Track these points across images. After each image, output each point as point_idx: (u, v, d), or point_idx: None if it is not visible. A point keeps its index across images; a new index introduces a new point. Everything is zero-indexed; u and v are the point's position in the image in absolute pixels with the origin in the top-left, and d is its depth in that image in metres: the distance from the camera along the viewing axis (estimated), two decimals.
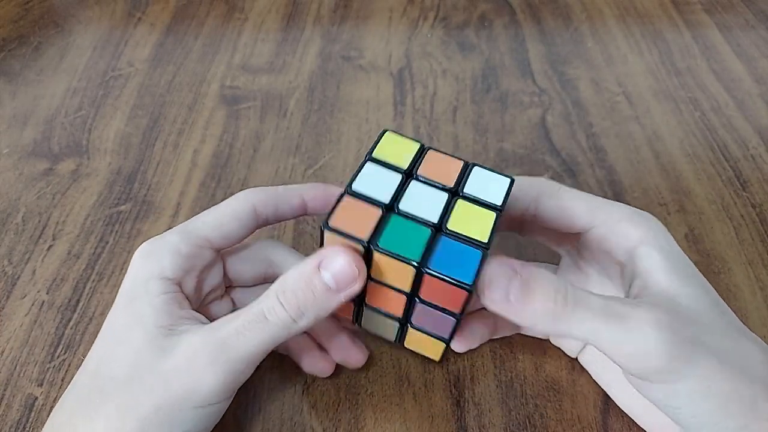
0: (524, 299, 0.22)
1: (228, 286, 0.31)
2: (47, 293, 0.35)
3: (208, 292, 0.30)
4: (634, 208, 0.27)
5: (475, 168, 0.26)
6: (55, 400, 0.31)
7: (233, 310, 0.30)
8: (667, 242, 0.26)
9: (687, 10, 0.56)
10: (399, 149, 0.26)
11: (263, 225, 0.30)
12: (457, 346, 0.31)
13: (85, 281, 0.36)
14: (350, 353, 0.30)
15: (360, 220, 0.24)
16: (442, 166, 0.26)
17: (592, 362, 0.31)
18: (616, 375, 0.27)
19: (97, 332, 0.33)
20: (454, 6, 0.57)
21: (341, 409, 0.30)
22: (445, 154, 0.26)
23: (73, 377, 0.31)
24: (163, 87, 0.49)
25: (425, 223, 0.24)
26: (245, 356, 0.24)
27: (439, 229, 0.24)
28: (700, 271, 0.36)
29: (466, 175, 0.26)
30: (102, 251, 0.37)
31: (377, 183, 0.25)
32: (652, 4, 0.57)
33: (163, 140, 0.45)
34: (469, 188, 0.25)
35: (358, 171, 0.25)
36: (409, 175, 0.26)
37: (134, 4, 0.58)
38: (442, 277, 0.23)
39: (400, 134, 0.27)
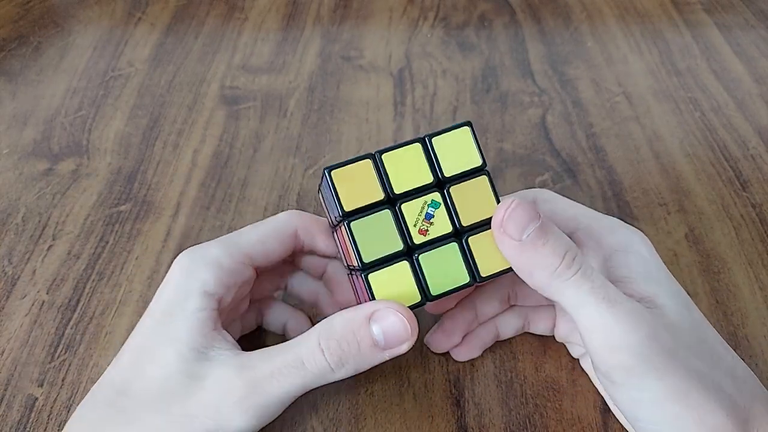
0: (536, 243, 0.22)
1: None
2: (47, 293, 0.35)
3: (235, 307, 0.29)
4: (625, 224, 0.27)
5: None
6: (56, 400, 0.31)
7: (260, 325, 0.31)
8: (649, 252, 0.26)
9: (687, 10, 0.56)
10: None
11: (297, 253, 0.29)
12: (460, 355, 0.31)
13: (85, 281, 0.36)
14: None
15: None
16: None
17: (592, 369, 0.31)
18: None
19: (98, 332, 0.33)
20: (454, 6, 0.57)
21: (341, 409, 0.30)
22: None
23: (73, 378, 0.31)
24: (163, 87, 0.49)
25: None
26: (277, 401, 0.24)
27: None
28: (700, 271, 0.36)
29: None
30: (102, 251, 0.37)
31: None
32: (652, 4, 0.57)
33: (163, 140, 0.45)
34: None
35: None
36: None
37: (134, 4, 0.58)
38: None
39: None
